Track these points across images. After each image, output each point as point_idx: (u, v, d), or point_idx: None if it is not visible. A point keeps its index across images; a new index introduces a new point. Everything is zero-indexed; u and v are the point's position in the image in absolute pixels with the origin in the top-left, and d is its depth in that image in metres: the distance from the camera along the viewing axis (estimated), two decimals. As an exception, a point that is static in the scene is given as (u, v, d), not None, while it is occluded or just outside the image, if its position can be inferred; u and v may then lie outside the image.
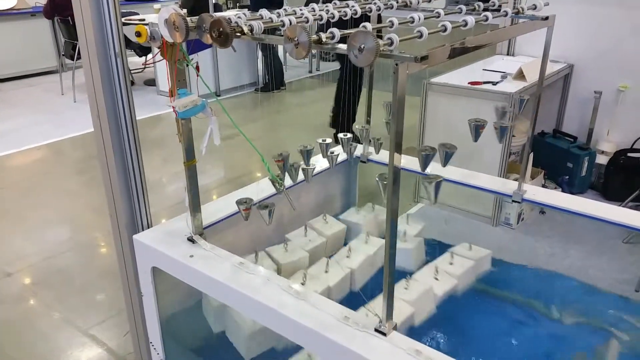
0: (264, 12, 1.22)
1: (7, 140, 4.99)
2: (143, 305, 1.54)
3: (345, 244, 1.86)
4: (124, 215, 1.51)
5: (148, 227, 1.56)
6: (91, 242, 3.32)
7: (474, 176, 1.84)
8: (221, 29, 1.07)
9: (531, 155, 3.28)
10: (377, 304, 1.29)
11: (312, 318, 1.16)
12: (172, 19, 1.15)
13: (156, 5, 7.17)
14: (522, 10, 1.46)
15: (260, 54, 6.57)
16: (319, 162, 1.80)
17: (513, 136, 3.02)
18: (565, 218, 1.68)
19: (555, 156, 3.55)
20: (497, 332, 1.62)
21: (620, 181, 3.43)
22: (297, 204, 1.83)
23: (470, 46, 1.11)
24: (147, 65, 6.74)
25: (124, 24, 1.63)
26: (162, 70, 5.93)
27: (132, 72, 6.30)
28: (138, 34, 1.22)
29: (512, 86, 3.03)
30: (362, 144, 1.98)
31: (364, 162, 2.01)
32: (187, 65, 1.30)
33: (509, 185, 1.77)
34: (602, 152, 3.58)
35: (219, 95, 6.21)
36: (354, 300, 1.42)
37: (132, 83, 5.96)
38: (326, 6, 1.37)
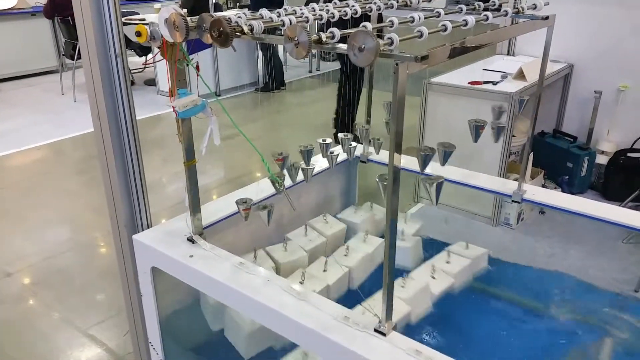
0: (264, 11, 1.22)
1: (7, 140, 4.99)
2: (142, 305, 1.54)
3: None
4: (123, 215, 1.51)
5: (148, 227, 1.55)
6: (91, 242, 3.32)
7: (474, 176, 1.83)
8: (221, 29, 1.07)
9: (531, 155, 3.28)
10: (374, 301, 1.30)
11: (312, 318, 1.16)
12: (172, 18, 1.15)
13: (156, 5, 7.18)
14: (522, 10, 1.46)
15: (260, 53, 6.57)
16: (319, 162, 1.80)
17: (513, 136, 3.02)
18: (565, 218, 1.68)
19: (555, 156, 3.55)
20: (494, 330, 1.62)
21: (620, 181, 3.43)
22: (297, 204, 1.83)
23: (471, 46, 1.11)
24: (147, 65, 6.74)
25: (124, 24, 1.63)
26: (162, 70, 5.94)
27: (132, 72, 6.30)
28: (138, 34, 1.22)
29: (512, 86, 3.03)
30: (362, 144, 1.98)
31: (364, 162, 2.01)
32: (187, 65, 1.30)
33: (508, 185, 1.77)
34: (602, 152, 3.58)
35: (219, 95, 6.21)
36: (352, 298, 1.42)
37: (132, 83, 5.96)
38: (326, 6, 1.37)
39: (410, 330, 1.49)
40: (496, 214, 3.09)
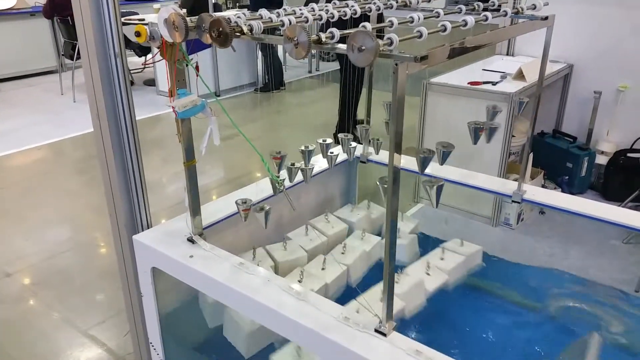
0: (263, 12, 1.22)
1: (7, 140, 4.99)
2: (143, 306, 1.54)
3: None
4: (123, 215, 1.51)
5: (148, 228, 1.56)
6: (91, 242, 3.32)
7: (474, 176, 1.84)
8: (221, 29, 1.07)
9: (531, 155, 3.28)
10: (369, 296, 1.31)
11: (312, 318, 1.16)
12: (172, 18, 1.15)
13: (156, 5, 7.17)
14: (522, 10, 1.46)
15: (259, 54, 6.57)
16: (319, 162, 1.80)
17: (513, 136, 3.02)
18: (565, 218, 1.68)
19: (555, 156, 3.55)
20: (487, 327, 1.63)
21: (619, 181, 3.43)
22: (297, 204, 1.83)
23: (470, 46, 1.11)
24: (146, 65, 6.74)
25: (124, 24, 1.63)
26: (161, 70, 5.93)
27: (131, 72, 6.31)
28: (138, 34, 1.22)
29: (511, 86, 3.03)
30: (362, 144, 1.98)
31: (364, 162, 2.01)
32: (187, 65, 1.30)
33: (508, 186, 1.77)
34: (602, 152, 3.58)
35: (218, 96, 6.21)
36: (350, 296, 1.42)
37: (132, 83, 5.95)
38: (326, 6, 1.37)
39: (404, 325, 1.49)
40: (496, 214, 3.09)
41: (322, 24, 1.34)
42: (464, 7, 1.44)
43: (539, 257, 2.05)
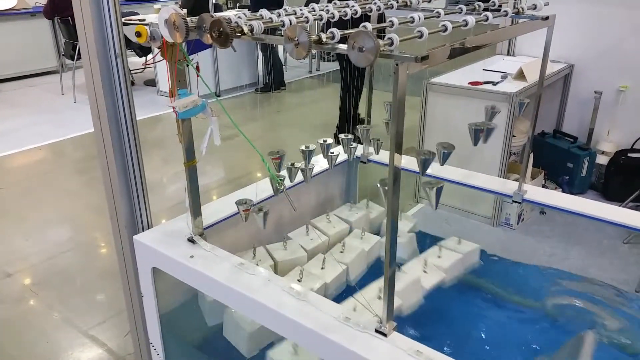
0: (264, 12, 1.22)
1: (7, 140, 4.99)
2: (143, 306, 1.54)
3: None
4: (124, 215, 1.51)
5: (148, 228, 1.56)
6: (91, 242, 3.32)
7: (474, 176, 1.84)
8: (221, 29, 1.07)
9: (531, 155, 3.28)
10: (367, 294, 1.31)
11: (312, 319, 1.16)
12: (172, 19, 1.15)
13: (156, 5, 7.19)
14: (522, 10, 1.46)
15: (260, 54, 6.57)
16: (319, 162, 1.80)
17: (513, 136, 3.02)
18: (565, 218, 1.68)
19: (556, 156, 3.55)
20: (484, 325, 1.62)
21: (620, 181, 3.43)
22: (298, 204, 1.83)
23: (471, 46, 1.11)
24: (147, 66, 6.73)
25: (124, 24, 1.64)
26: (162, 71, 5.94)
27: (132, 72, 6.30)
28: (138, 34, 1.22)
29: (512, 86, 3.03)
30: (362, 144, 1.98)
31: (364, 162, 2.01)
32: (187, 65, 1.30)
33: (509, 186, 1.77)
34: (603, 152, 3.58)
35: (219, 96, 6.21)
36: (350, 295, 1.42)
37: (132, 83, 5.96)
38: (326, 6, 1.37)
39: (400, 322, 1.49)
40: (497, 214, 3.09)
41: (323, 24, 1.34)
42: (464, 7, 1.44)
43: (540, 257, 2.05)
